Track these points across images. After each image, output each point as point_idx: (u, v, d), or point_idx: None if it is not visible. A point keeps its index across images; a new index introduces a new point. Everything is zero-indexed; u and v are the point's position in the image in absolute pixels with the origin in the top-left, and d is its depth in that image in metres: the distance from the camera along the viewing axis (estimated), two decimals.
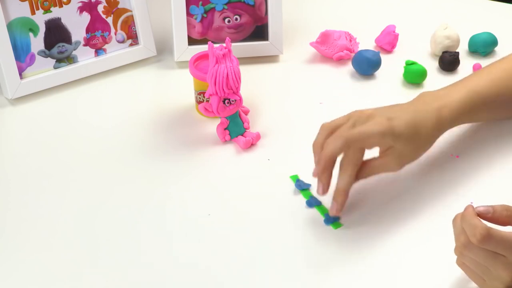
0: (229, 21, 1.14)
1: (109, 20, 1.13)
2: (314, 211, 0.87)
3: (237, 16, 1.13)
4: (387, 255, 0.81)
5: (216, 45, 0.95)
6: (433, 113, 0.87)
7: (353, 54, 1.13)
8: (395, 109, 0.86)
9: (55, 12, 1.08)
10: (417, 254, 0.81)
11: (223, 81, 0.93)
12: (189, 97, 1.04)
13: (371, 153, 0.86)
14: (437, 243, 0.82)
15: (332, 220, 0.85)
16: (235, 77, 0.94)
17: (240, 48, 1.12)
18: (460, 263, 0.75)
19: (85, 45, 1.11)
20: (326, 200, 0.87)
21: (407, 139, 0.84)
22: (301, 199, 0.88)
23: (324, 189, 0.84)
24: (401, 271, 0.79)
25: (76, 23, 1.10)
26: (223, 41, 0.99)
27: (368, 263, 0.80)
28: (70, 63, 1.11)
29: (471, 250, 0.72)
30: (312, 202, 0.87)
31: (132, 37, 1.15)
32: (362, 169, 0.86)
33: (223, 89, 0.94)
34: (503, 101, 0.93)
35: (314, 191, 0.89)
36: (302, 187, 0.89)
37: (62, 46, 1.10)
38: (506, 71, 0.93)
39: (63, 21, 1.09)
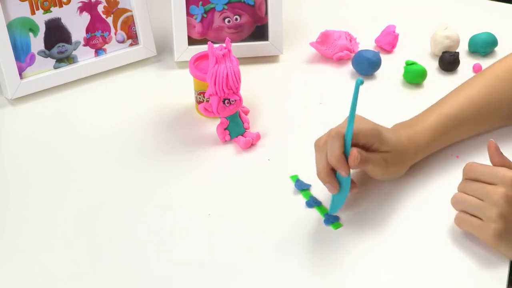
0: (229, 21, 1.14)
1: (109, 20, 1.13)
2: (314, 211, 0.87)
3: (237, 16, 1.13)
4: (387, 255, 0.81)
5: (216, 45, 0.95)
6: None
7: (353, 54, 1.13)
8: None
9: (55, 12, 1.08)
10: (417, 254, 0.81)
11: (223, 81, 0.94)
12: (189, 97, 1.04)
13: None
14: (437, 243, 0.82)
15: (332, 220, 0.85)
16: (235, 77, 0.94)
17: (240, 48, 1.12)
18: (458, 218, 0.81)
19: (85, 45, 1.11)
20: (326, 200, 0.87)
21: (393, 146, 0.86)
22: (301, 199, 0.88)
23: (336, 187, 0.84)
24: (401, 271, 0.79)
25: (76, 23, 1.10)
26: (223, 41, 0.99)
27: (368, 263, 0.80)
28: (70, 63, 1.11)
29: (464, 187, 0.80)
30: (312, 202, 0.87)
31: (132, 37, 1.15)
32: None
33: (223, 89, 0.94)
34: (475, 119, 0.94)
35: (314, 191, 0.89)
36: (302, 187, 0.89)
37: (62, 46, 1.10)
38: (473, 91, 0.96)
39: (63, 21, 1.09)
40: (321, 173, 0.83)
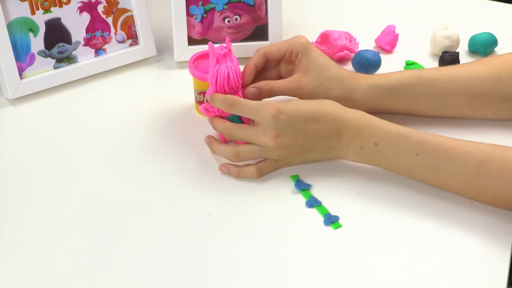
0: (229, 21, 1.14)
1: (109, 20, 1.13)
2: (314, 211, 0.87)
3: (237, 16, 1.14)
4: (387, 255, 0.81)
5: (216, 45, 0.95)
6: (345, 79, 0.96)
7: (353, 54, 1.13)
8: None
9: (55, 12, 1.08)
10: (417, 254, 0.81)
11: (224, 81, 0.93)
12: (189, 97, 1.04)
13: None
14: (437, 243, 0.82)
15: (332, 221, 0.85)
16: (236, 77, 0.94)
17: (240, 48, 1.12)
18: (234, 169, 0.91)
19: (85, 45, 1.11)
20: (326, 200, 0.87)
21: (315, 58, 0.96)
22: (301, 199, 0.88)
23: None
24: (401, 271, 0.79)
25: (76, 23, 1.10)
26: (223, 41, 0.99)
27: (368, 263, 0.80)
28: (70, 63, 1.11)
29: (231, 132, 0.91)
30: (312, 203, 0.87)
31: (132, 37, 1.15)
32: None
33: (224, 89, 0.94)
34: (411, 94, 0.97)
35: (314, 191, 0.89)
36: (302, 187, 0.89)
37: (62, 46, 1.10)
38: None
39: (63, 21, 1.09)
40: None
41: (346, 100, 0.93)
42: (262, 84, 0.96)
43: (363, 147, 0.87)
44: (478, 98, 0.96)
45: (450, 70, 0.98)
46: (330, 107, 0.88)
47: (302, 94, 0.96)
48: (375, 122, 0.87)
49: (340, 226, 0.84)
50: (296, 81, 0.96)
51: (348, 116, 0.87)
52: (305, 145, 0.88)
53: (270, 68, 0.99)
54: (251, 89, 0.95)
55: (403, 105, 0.97)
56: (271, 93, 0.96)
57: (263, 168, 0.91)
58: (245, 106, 0.89)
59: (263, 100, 0.91)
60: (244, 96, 0.94)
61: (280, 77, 0.99)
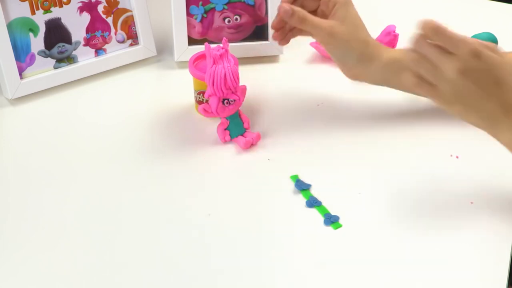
0: (229, 21, 1.14)
1: (109, 20, 1.13)
2: (314, 211, 0.87)
3: (237, 16, 1.13)
4: (387, 255, 0.81)
5: (213, 46, 0.95)
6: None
7: None
8: None
9: (55, 12, 1.08)
10: (417, 253, 0.81)
11: (221, 81, 0.94)
12: (189, 97, 1.04)
13: None
14: (437, 243, 0.82)
15: (332, 221, 0.85)
16: (233, 77, 0.94)
17: (240, 48, 1.12)
18: (413, 80, 0.81)
19: (85, 45, 1.11)
20: (326, 200, 0.87)
21: (352, 14, 0.95)
22: (301, 199, 0.88)
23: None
24: (401, 271, 0.79)
25: (76, 23, 1.10)
26: None
27: (368, 263, 0.80)
28: (70, 63, 1.11)
29: (425, 46, 0.79)
30: (312, 202, 0.87)
31: (132, 37, 1.15)
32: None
33: (222, 90, 0.94)
34: None
35: (314, 191, 0.89)
36: (302, 187, 0.89)
37: (62, 46, 1.10)
38: None
39: (63, 21, 1.09)
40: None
41: (365, 66, 0.94)
42: (298, 8, 0.92)
43: None
44: None
45: None
46: None
47: (328, 42, 0.94)
48: None
49: (340, 226, 0.84)
50: (330, 26, 0.93)
51: None
52: (475, 100, 0.80)
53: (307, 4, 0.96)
54: (285, 5, 0.91)
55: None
56: (302, 22, 0.92)
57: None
58: (446, 34, 0.78)
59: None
60: (279, 10, 0.92)
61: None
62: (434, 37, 0.78)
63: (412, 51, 0.80)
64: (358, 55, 0.95)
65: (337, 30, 0.93)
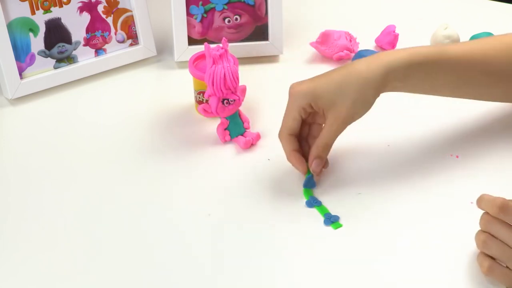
0: (229, 21, 1.14)
1: (109, 20, 1.13)
2: (314, 211, 0.86)
3: (237, 16, 1.13)
4: (387, 255, 0.81)
5: (213, 46, 0.95)
6: (369, 71, 0.86)
7: (353, 54, 1.13)
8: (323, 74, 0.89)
9: (55, 12, 1.08)
10: (417, 254, 0.81)
11: (220, 81, 0.94)
12: (189, 97, 1.04)
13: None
14: (437, 243, 0.82)
15: (332, 221, 0.85)
16: (233, 77, 0.94)
17: (240, 48, 1.12)
18: (486, 264, 0.74)
19: (85, 45, 1.11)
20: (326, 200, 0.87)
21: (330, 99, 0.86)
22: (301, 199, 0.88)
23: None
24: (401, 271, 0.79)
25: (76, 23, 1.10)
26: None
27: (369, 263, 0.80)
28: (70, 63, 1.11)
29: (492, 226, 0.73)
30: (312, 202, 0.87)
31: (132, 37, 1.15)
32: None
33: (221, 90, 0.94)
34: (445, 69, 0.90)
35: (314, 190, 0.89)
36: (308, 186, 0.89)
37: (62, 46, 1.10)
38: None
39: (63, 21, 1.09)
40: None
41: (384, 90, 0.88)
42: (316, 151, 0.88)
43: None
44: (494, 76, 0.92)
45: (466, 46, 0.93)
46: None
47: (351, 122, 0.88)
48: None
49: (340, 226, 0.84)
50: (336, 120, 0.87)
51: None
52: None
53: (305, 136, 0.92)
54: (314, 164, 0.88)
55: (425, 85, 0.91)
56: (328, 149, 0.89)
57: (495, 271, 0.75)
58: None
59: None
60: (313, 171, 0.88)
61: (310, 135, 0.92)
62: (501, 215, 0.72)
63: (480, 233, 0.75)
64: (369, 97, 0.88)
65: (340, 114, 0.86)
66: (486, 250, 0.75)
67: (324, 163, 0.90)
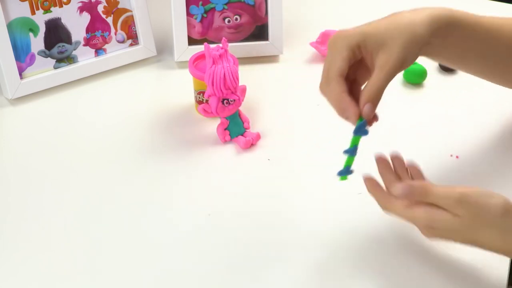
0: (229, 21, 1.14)
1: (109, 20, 1.13)
2: (314, 214, 0.86)
3: (237, 16, 1.14)
4: (387, 254, 0.81)
5: (213, 46, 0.95)
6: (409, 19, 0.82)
7: None
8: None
9: (55, 12, 1.08)
10: (416, 254, 0.81)
11: (220, 81, 0.94)
12: (189, 97, 1.04)
13: None
14: (438, 243, 0.82)
15: (344, 173, 0.80)
16: (233, 77, 0.94)
17: (240, 48, 1.12)
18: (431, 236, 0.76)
19: (85, 45, 1.11)
20: (326, 199, 0.87)
21: (381, 39, 0.80)
22: (301, 199, 0.88)
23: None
24: (401, 270, 0.79)
25: (76, 23, 1.10)
26: None
27: (369, 263, 0.80)
28: (70, 63, 1.11)
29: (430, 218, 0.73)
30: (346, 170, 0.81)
31: (132, 37, 1.15)
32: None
33: (221, 90, 0.94)
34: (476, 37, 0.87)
35: (314, 190, 0.89)
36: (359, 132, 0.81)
37: (62, 46, 1.10)
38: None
39: (63, 21, 1.09)
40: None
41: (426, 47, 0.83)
42: (367, 95, 0.80)
43: None
44: None
45: (494, 19, 0.92)
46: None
47: (402, 67, 0.81)
48: None
49: (345, 178, 0.80)
50: (386, 63, 0.79)
51: None
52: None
53: (355, 78, 0.83)
54: (366, 108, 0.80)
55: (458, 47, 0.88)
56: (381, 94, 0.80)
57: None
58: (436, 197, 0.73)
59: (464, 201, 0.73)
60: (367, 117, 0.80)
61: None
62: (425, 199, 0.74)
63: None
64: (419, 44, 0.82)
65: (397, 58, 0.80)
66: (431, 234, 0.75)
67: (375, 116, 0.82)
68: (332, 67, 0.80)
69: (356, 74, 0.82)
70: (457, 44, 0.87)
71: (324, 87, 0.80)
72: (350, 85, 0.81)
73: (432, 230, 0.74)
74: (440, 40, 0.84)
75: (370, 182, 0.79)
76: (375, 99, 0.80)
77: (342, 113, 0.80)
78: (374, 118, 0.81)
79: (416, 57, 0.82)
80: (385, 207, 0.78)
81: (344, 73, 0.80)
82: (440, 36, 0.84)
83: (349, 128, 0.91)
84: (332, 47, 0.80)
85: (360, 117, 0.79)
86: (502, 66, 0.91)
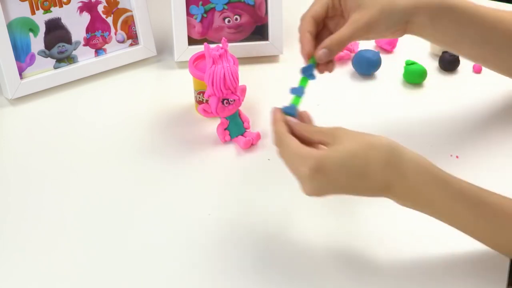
0: (229, 21, 1.14)
1: (109, 20, 1.13)
2: (314, 212, 0.86)
3: (237, 16, 1.14)
4: (386, 254, 0.81)
5: (213, 46, 0.95)
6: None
7: (353, 54, 1.13)
8: None
9: (55, 12, 1.08)
10: (416, 253, 0.81)
11: (220, 81, 0.94)
12: (189, 97, 1.04)
13: None
14: (438, 242, 0.82)
15: (289, 111, 0.82)
16: (233, 77, 0.94)
17: (240, 48, 1.12)
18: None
19: (85, 45, 1.11)
20: (325, 199, 0.87)
21: None
22: (301, 199, 0.88)
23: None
24: (401, 270, 0.79)
25: (76, 23, 1.10)
26: None
27: (369, 262, 0.80)
28: (70, 63, 1.11)
29: (279, 144, 0.78)
30: (298, 90, 0.84)
31: (132, 37, 1.15)
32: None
33: (221, 90, 0.94)
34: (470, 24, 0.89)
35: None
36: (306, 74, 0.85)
37: (62, 46, 1.10)
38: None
39: (63, 21, 1.09)
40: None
41: (407, 24, 0.87)
42: (328, 42, 0.84)
43: (415, 201, 0.77)
44: None
45: (496, 10, 0.92)
46: (382, 157, 0.75)
47: (370, 31, 0.86)
48: (433, 179, 0.76)
49: (306, 83, 0.84)
50: (357, 21, 0.85)
51: (402, 170, 0.75)
52: (344, 193, 0.78)
53: (320, 33, 0.89)
54: (321, 51, 0.84)
55: (452, 31, 0.90)
56: (341, 46, 0.86)
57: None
58: (287, 149, 0.77)
59: (306, 150, 0.76)
60: (319, 59, 0.84)
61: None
62: (278, 149, 0.78)
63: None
64: (396, 21, 0.87)
65: (365, 17, 0.85)
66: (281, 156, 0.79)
67: (331, 65, 0.86)
68: (309, 9, 0.88)
69: (335, 28, 0.88)
70: (450, 28, 0.89)
71: (301, 20, 0.88)
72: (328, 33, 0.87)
73: (317, 176, 0.74)
74: (429, 21, 0.87)
75: (275, 114, 0.81)
76: (333, 48, 0.85)
77: (300, 50, 0.86)
78: (328, 68, 0.86)
79: (392, 30, 0.87)
80: (279, 143, 0.79)
81: (317, 17, 0.87)
82: (429, 17, 0.86)
83: (349, 128, 0.92)
84: None
85: (312, 58, 0.84)
86: (499, 54, 0.93)
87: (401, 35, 0.90)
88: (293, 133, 0.79)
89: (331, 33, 0.87)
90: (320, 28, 0.89)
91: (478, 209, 0.76)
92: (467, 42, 0.92)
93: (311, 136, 0.79)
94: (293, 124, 0.80)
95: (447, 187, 0.76)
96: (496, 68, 0.96)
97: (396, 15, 0.86)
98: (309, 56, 0.85)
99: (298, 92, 0.83)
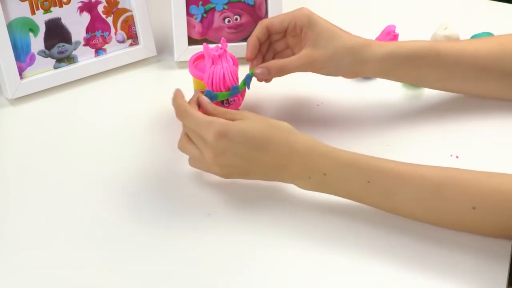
0: (229, 21, 1.14)
1: (109, 20, 1.13)
2: (314, 213, 0.86)
3: (237, 16, 1.14)
4: (386, 254, 0.81)
5: (212, 46, 0.95)
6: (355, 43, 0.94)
7: None
8: None
9: (55, 12, 1.08)
10: (416, 253, 0.81)
11: (220, 81, 0.94)
12: (189, 97, 1.04)
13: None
14: (437, 242, 0.82)
15: (246, 82, 0.94)
16: (232, 77, 0.94)
17: (240, 48, 1.12)
18: (189, 160, 0.90)
19: (85, 45, 1.12)
20: (325, 199, 0.87)
21: (322, 30, 0.93)
22: (301, 200, 0.88)
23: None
24: (401, 270, 0.79)
25: (76, 23, 1.10)
26: None
27: (366, 263, 0.80)
28: (70, 63, 1.11)
29: (182, 116, 0.86)
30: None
31: (132, 37, 1.15)
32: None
33: (221, 90, 0.94)
34: (430, 62, 0.96)
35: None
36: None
37: (62, 46, 1.10)
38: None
39: (63, 21, 1.09)
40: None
41: (360, 69, 0.94)
42: (271, 64, 0.94)
43: (311, 177, 0.83)
44: (483, 72, 0.96)
45: (459, 44, 0.99)
46: (280, 135, 0.83)
47: (315, 68, 0.94)
48: (325, 153, 0.82)
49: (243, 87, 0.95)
50: (306, 56, 0.93)
51: (298, 146, 0.83)
52: (246, 169, 0.85)
53: (277, 41, 0.98)
54: (259, 69, 0.94)
55: (414, 74, 0.97)
56: (281, 72, 0.95)
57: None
58: (192, 118, 0.84)
59: (213, 117, 0.85)
60: (255, 76, 0.95)
61: (288, 49, 0.98)
62: (179, 119, 0.86)
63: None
64: (349, 63, 0.94)
65: (315, 56, 0.93)
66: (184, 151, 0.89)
67: (268, 78, 0.96)
68: (270, 18, 0.97)
69: (293, 44, 0.97)
70: (406, 73, 0.97)
71: (257, 25, 0.97)
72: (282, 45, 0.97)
73: (222, 140, 0.82)
74: (381, 68, 0.95)
75: (176, 92, 0.89)
76: (272, 71, 0.94)
77: (246, 52, 0.95)
78: (267, 80, 0.97)
79: (342, 72, 0.96)
80: (184, 115, 0.86)
81: (271, 28, 0.95)
82: (380, 64, 0.95)
83: (349, 128, 0.92)
84: (288, 12, 0.95)
85: (251, 70, 0.94)
86: (466, 84, 0.99)
87: (355, 77, 0.99)
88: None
89: (287, 46, 0.97)
90: (277, 38, 0.97)
91: (369, 173, 0.80)
92: (428, 82, 0.99)
93: (219, 115, 0.85)
94: (206, 103, 0.88)
95: (338, 158, 0.82)
96: (470, 94, 1.02)
97: (347, 59, 0.93)
98: (249, 59, 0.95)
99: (236, 89, 0.95)
